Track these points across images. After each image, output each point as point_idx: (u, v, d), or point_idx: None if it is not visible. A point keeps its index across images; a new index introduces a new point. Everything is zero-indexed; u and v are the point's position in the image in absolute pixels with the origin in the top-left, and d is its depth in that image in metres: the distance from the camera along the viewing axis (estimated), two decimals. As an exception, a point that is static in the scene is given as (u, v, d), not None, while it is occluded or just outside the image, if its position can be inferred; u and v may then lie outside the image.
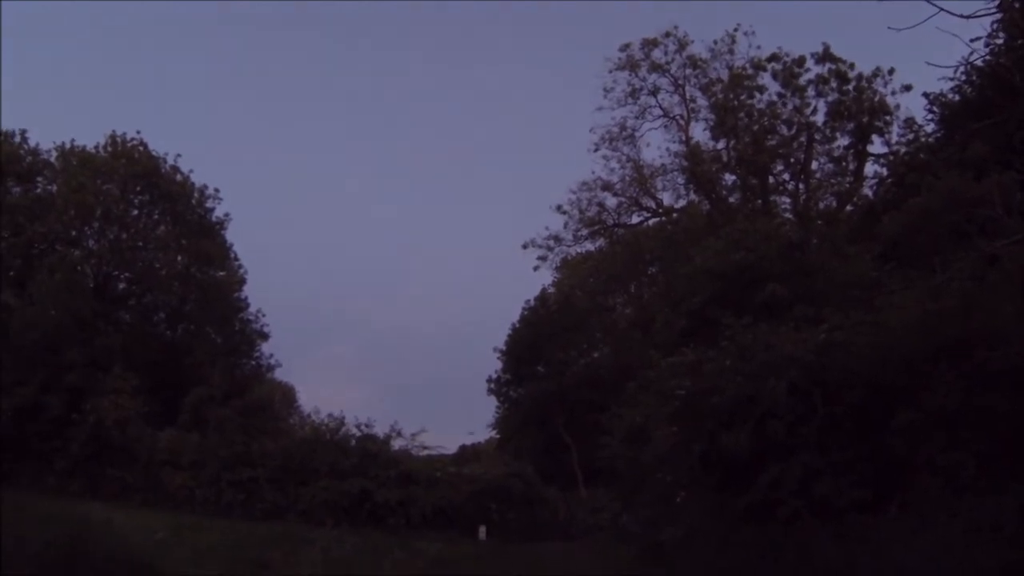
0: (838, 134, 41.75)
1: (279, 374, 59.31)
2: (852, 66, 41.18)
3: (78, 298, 43.51)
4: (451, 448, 61.39)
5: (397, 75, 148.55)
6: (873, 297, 23.02)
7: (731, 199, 45.39)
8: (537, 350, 56.38)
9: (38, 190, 49.61)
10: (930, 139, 32.89)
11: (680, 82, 46.38)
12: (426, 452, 42.92)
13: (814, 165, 42.90)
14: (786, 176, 43.81)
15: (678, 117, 47.07)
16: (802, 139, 42.29)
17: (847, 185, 41.73)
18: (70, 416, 39.33)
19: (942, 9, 12.52)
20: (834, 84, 41.23)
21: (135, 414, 39.92)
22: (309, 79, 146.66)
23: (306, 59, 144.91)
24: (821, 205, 42.99)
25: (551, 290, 58.23)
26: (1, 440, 37.59)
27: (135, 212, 50.79)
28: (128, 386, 40.30)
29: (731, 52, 44.73)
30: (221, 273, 54.86)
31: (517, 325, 59.52)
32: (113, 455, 39.34)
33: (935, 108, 32.63)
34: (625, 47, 45.78)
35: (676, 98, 46.76)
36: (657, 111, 46.94)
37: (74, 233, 48.84)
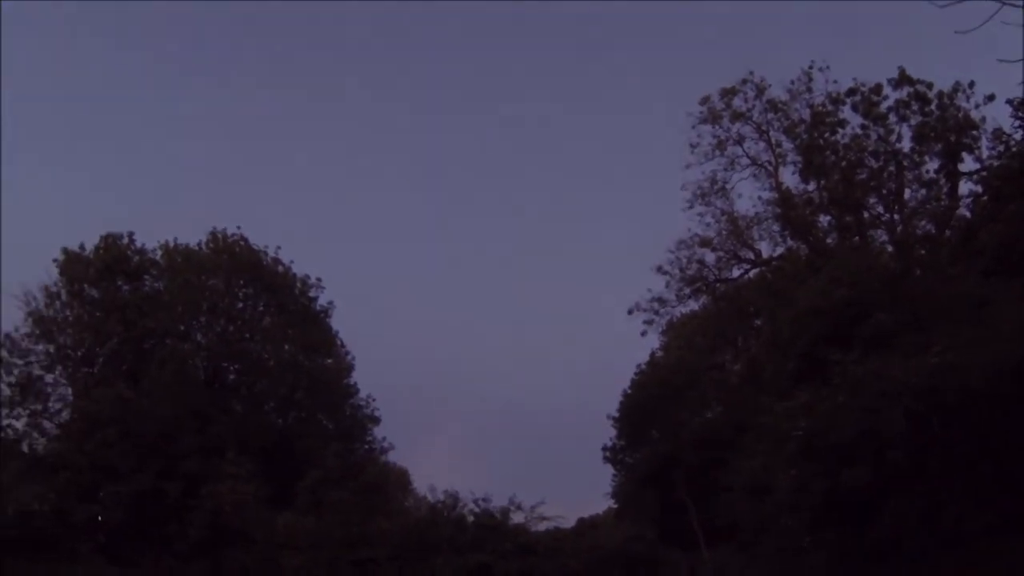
0: (927, 157, 40.50)
1: (393, 456, 60.21)
2: (931, 86, 40.28)
3: (190, 389, 45.36)
4: (569, 519, 61.23)
5: (487, 152, 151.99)
6: (981, 314, 22.23)
7: (828, 240, 44.45)
8: (650, 414, 56.03)
9: (146, 288, 51.98)
10: (1021, 146, 31.87)
11: (764, 128, 45.77)
12: (545, 524, 42.97)
13: (907, 193, 41.74)
14: (880, 208, 42.81)
15: (766, 163, 46.29)
16: (891, 168, 41.23)
17: (942, 208, 40.58)
18: (187, 502, 40.64)
19: (1004, 3, 12.23)
20: (915, 107, 40.19)
21: (251, 498, 40.91)
22: (401, 157, 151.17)
23: (393, 139, 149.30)
24: (919, 232, 41.81)
25: (660, 353, 57.87)
26: (120, 525, 39.23)
27: (240, 305, 53.01)
28: (243, 471, 41.48)
29: (809, 91, 44.07)
30: (328, 360, 56.31)
31: (629, 391, 59.38)
32: (231, 538, 40.34)
33: (1021, 113, 31.60)
34: (705, 100, 45.51)
35: (762, 144, 46.02)
36: (745, 160, 46.14)
37: (183, 328, 51.20)
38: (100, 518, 40.94)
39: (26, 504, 39.81)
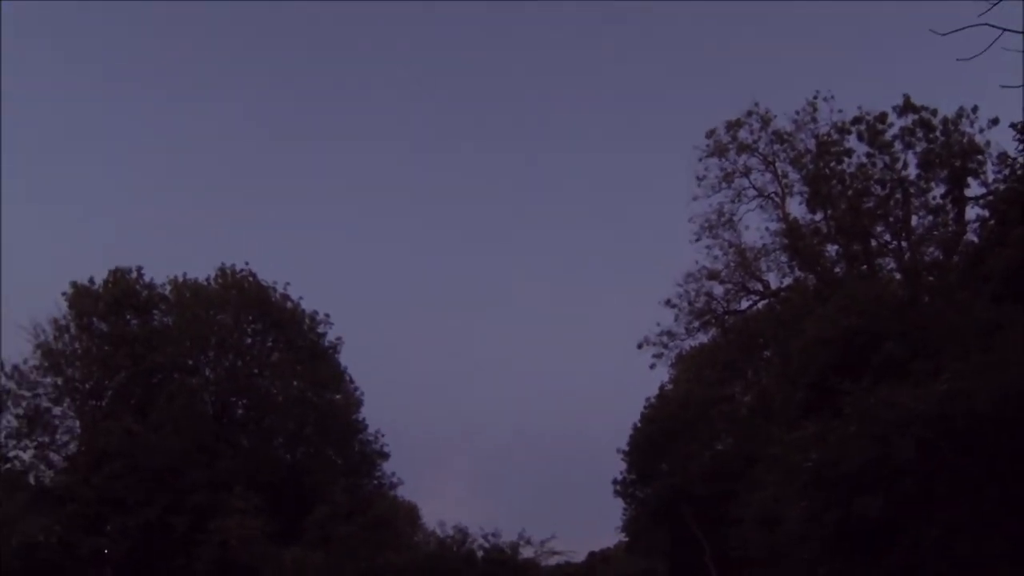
0: (933, 183, 40.57)
1: (401, 492, 59.98)
2: (935, 112, 40.39)
3: (198, 424, 45.47)
4: (580, 553, 60.75)
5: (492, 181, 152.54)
6: (990, 339, 22.09)
7: (836, 269, 44.35)
8: (660, 447, 55.90)
9: (155, 322, 52.24)
10: (1024, 169, 31.80)
11: (770, 159, 45.75)
12: (556, 558, 42.66)
13: (914, 220, 41.74)
14: (887, 236, 42.76)
15: (773, 195, 46.26)
16: (897, 196, 41.28)
17: (949, 233, 40.51)
18: (194, 536, 40.56)
19: (1005, 30, 12.25)
20: (920, 133, 40.34)
21: (259, 532, 40.75)
22: (406, 190, 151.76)
23: (398, 172, 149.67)
24: (926, 259, 41.71)
25: (669, 387, 57.72)
26: (127, 558, 39.10)
27: (249, 340, 53.16)
28: (251, 506, 41.40)
29: (814, 121, 44.17)
30: (337, 396, 56.24)
31: (638, 424, 59.21)
32: (239, 573, 40.22)
33: (1024, 136, 31.50)
34: (711, 133, 45.61)
35: (768, 176, 45.97)
36: (752, 192, 46.12)
37: (191, 362, 51.40)
38: (107, 551, 41.10)
39: (32, 536, 39.87)
